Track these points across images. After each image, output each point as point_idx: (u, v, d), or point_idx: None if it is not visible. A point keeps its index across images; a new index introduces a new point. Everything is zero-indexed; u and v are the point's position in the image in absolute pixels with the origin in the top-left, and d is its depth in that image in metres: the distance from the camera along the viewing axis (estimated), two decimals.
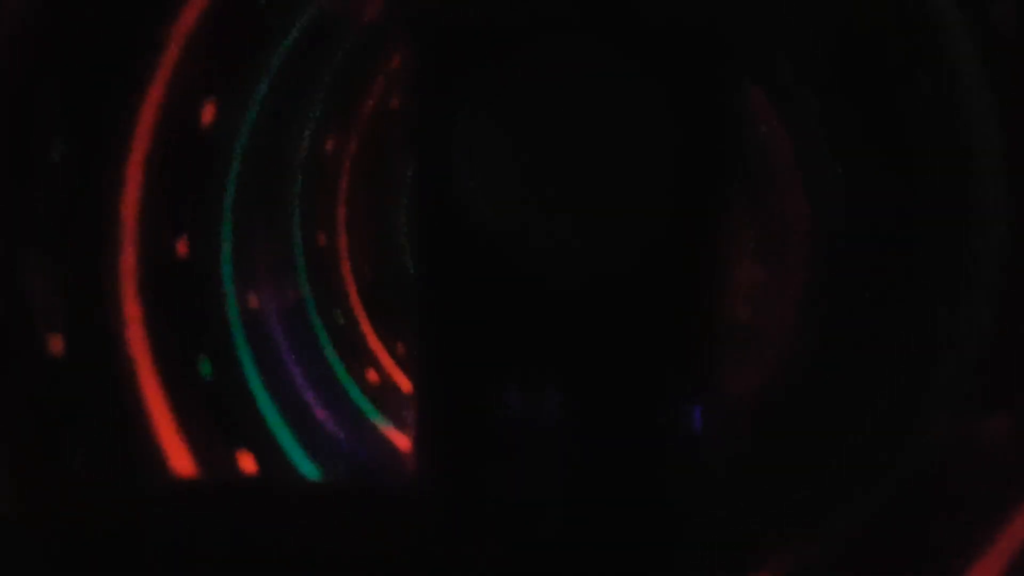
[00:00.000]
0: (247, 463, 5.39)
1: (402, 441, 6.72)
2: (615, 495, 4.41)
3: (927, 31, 4.57)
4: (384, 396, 7.26)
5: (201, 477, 4.78)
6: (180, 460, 4.77)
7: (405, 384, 7.49)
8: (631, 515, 4.37)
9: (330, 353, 7.09)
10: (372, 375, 7.50)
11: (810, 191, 6.08)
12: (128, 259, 4.80)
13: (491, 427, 4.56)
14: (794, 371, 5.61)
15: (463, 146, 4.45)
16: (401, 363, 7.68)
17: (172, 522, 4.19)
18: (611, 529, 4.33)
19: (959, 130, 4.47)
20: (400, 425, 6.83)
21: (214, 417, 5.27)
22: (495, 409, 4.56)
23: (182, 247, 5.37)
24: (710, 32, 4.45)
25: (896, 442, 4.48)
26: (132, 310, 4.81)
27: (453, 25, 4.48)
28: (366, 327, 7.72)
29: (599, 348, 4.51)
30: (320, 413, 6.58)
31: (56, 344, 4.25)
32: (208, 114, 5.41)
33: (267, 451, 5.76)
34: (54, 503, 3.92)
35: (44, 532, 3.75)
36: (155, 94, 4.82)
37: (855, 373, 4.89)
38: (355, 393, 7.06)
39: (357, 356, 7.39)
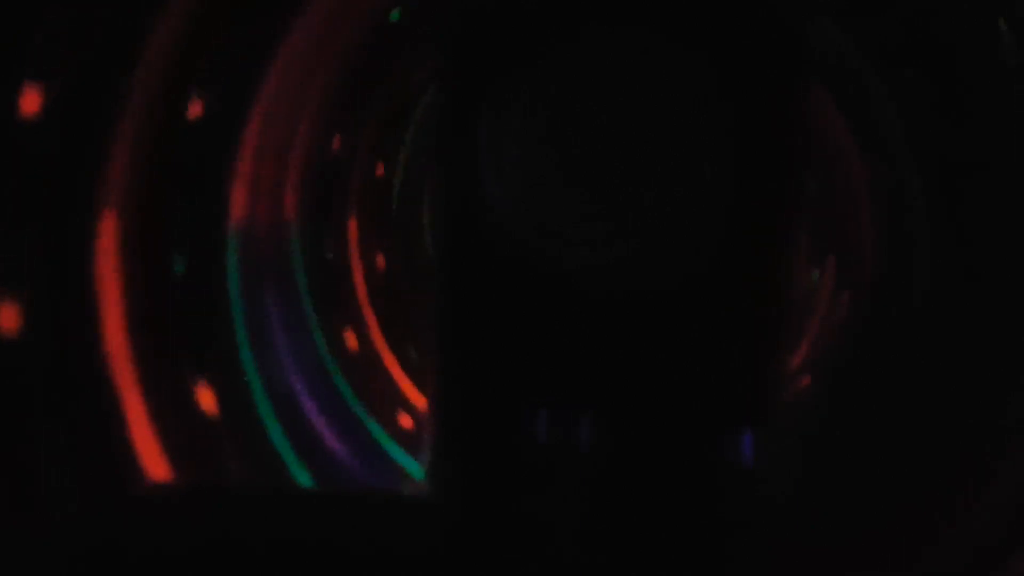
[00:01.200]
0: None
1: None
2: (653, 533, 3.94)
3: None
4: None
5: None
6: None
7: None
8: (671, 556, 3.89)
9: None
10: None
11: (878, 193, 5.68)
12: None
13: (516, 458, 4.15)
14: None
15: (493, 144, 4.13)
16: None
17: (168, 529, 4.03)
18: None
19: None
20: None
21: None
22: (521, 437, 4.14)
23: None
24: (771, 20, 4.03)
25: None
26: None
27: (487, 15, 4.18)
28: None
29: (640, 370, 4.08)
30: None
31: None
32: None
33: None
34: (33, 518, 3.82)
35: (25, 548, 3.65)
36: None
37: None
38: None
39: None
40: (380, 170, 6.98)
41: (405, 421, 7.05)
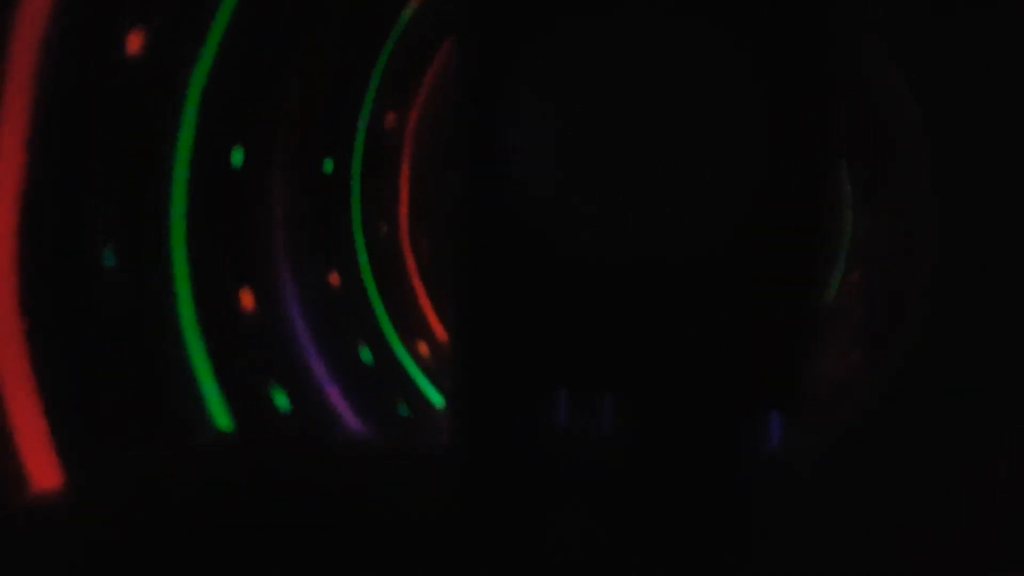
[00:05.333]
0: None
1: None
2: (676, 518, 3.80)
3: None
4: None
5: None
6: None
7: None
8: (693, 544, 3.74)
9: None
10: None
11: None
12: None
13: (536, 440, 4.12)
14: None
15: (516, 117, 4.04)
16: None
17: (216, 474, 4.20)
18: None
19: None
20: None
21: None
22: (542, 419, 4.11)
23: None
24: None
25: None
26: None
27: None
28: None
29: (664, 352, 3.99)
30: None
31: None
32: None
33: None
34: (105, 468, 3.94)
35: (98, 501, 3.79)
36: None
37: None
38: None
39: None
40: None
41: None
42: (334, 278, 6.35)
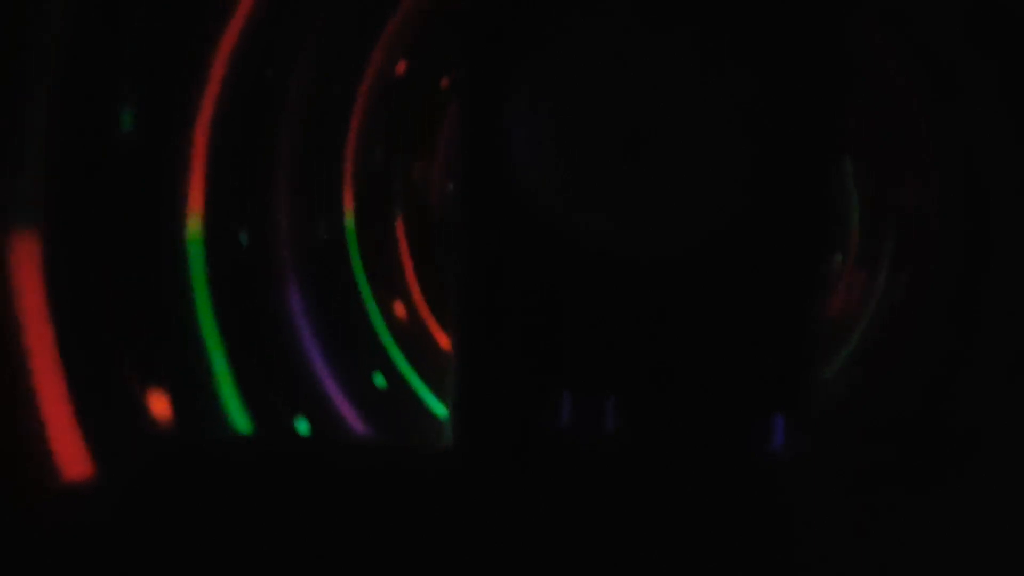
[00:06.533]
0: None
1: None
2: (679, 519, 3.60)
3: None
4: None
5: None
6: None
7: None
8: (695, 545, 3.52)
9: None
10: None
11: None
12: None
13: (538, 442, 4.10)
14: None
15: (521, 114, 4.02)
16: None
17: (228, 473, 4.21)
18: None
19: None
20: None
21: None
22: (545, 419, 4.09)
23: None
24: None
25: None
26: None
27: None
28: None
29: (668, 354, 3.98)
30: None
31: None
32: None
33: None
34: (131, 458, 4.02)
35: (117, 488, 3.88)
36: None
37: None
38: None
39: None
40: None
41: None
42: None
